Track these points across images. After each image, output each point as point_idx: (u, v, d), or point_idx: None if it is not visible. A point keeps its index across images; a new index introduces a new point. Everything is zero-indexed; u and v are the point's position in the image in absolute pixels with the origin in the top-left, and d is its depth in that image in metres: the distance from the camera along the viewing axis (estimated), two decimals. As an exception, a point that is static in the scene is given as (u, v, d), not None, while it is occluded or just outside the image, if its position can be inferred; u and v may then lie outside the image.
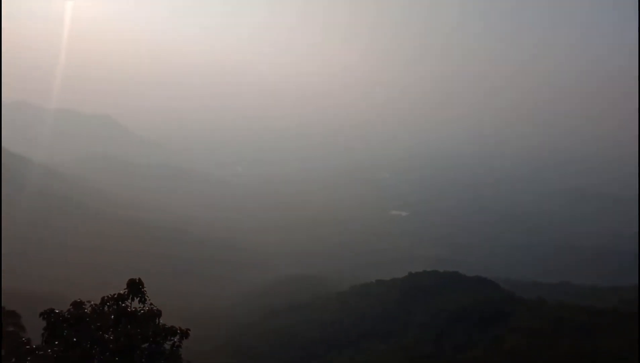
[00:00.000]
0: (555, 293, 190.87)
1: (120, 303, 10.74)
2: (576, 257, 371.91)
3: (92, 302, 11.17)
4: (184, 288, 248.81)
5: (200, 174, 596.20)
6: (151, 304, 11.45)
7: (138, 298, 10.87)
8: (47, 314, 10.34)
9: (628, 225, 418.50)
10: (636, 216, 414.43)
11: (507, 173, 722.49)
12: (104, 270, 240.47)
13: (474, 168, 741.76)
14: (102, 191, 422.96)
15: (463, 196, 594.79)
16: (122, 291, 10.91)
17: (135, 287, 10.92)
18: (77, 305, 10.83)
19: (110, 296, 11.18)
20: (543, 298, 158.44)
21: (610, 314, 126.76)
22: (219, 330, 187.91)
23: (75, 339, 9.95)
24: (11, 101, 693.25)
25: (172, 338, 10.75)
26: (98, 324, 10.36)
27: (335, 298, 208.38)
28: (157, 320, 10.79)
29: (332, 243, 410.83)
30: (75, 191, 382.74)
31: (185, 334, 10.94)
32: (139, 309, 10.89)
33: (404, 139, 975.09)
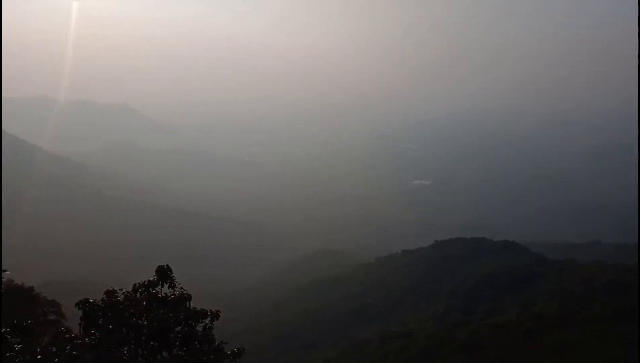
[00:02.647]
0: (585, 253, 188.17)
1: (150, 289, 10.93)
2: (603, 215, 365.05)
3: (124, 290, 11.39)
4: (211, 272, 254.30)
5: (218, 157, 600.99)
6: (181, 288, 11.61)
7: (167, 284, 11.04)
8: (83, 304, 10.58)
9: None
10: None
11: (527, 136, 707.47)
12: (130, 259, 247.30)
13: (494, 133, 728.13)
14: (124, 179, 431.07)
15: (485, 161, 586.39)
16: (151, 278, 11.09)
17: (164, 273, 11.07)
18: (110, 293, 11.06)
19: (140, 283, 11.38)
20: (572, 258, 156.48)
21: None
22: (249, 310, 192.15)
23: (110, 326, 10.17)
24: (29, 97, 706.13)
25: (203, 321, 10.94)
26: (131, 310, 10.57)
27: (362, 271, 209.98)
28: (187, 304, 10.96)
29: (355, 217, 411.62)
30: (97, 180, 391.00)
31: (215, 316, 11.14)
32: (169, 294, 11.07)
33: (422, 111, 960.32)
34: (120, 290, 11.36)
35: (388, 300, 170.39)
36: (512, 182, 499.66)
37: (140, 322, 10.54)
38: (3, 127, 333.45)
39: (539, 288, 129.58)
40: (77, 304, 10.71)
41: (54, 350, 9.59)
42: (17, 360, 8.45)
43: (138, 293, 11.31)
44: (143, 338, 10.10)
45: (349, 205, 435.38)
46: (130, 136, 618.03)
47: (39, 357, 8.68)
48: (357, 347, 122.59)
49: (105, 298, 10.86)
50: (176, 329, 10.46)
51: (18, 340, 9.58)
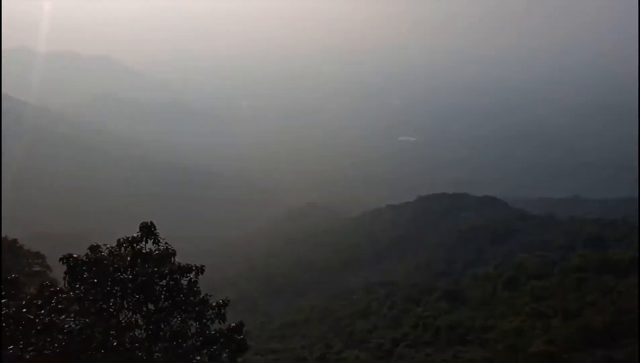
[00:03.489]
0: (566, 209, 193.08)
1: (134, 245, 11.07)
2: (587, 171, 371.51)
3: (109, 245, 11.51)
4: (202, 224, 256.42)
5: (206, 111, 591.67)
6: (166, 243, 11.77)
7: (152, 240, 11.18)
8: (67, 259, 10.71)
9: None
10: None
11: (519, 92, 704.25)
12: (117, 213, 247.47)
13: (484, 91, 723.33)
14: (109, 132, 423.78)
15: (473, 118, 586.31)
16: (135, 234, 11.21)
17: (148, 230, 11.19)
18: (94, 248, 11.19)
19: (125, 238, 11.50)
20: (553, 214, 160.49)
21: (621, 225, 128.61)
22: (240, 260, 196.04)
23: (95, 280, 10.37)
24: (8, 48, 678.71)
25: (188, 275, 11.17)
26: (116, 265, 10.74)
27: (350, 224, 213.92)
28: (172, 259, 11.16)
29: (343, 174, 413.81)
30: (81, 133, 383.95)
31: (200, 270, 11.39)
32: (153, 250, 11.23)
33: (413, 66, 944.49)
34: (105, 245, 11.47)
35: (374, 252, 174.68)
36: (500, 139, 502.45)
37: (125, 276, 10.74)
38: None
39: (520, 241, 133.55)
40: (61, 259, 10.83)
41: (40, 302, 9.78)
42: (2, 311, 8.63)
43: (122, 249, 11.45)
44: (128, 291, 10.34)
45: (337, 161, 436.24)
46: (115, 89, 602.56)
47: (24, 309, 8.87)
48: (343, 295, 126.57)
49: (90, 254, 11.00)
50: (161, 283, 10.70)
51: (3, 293, 9.72)
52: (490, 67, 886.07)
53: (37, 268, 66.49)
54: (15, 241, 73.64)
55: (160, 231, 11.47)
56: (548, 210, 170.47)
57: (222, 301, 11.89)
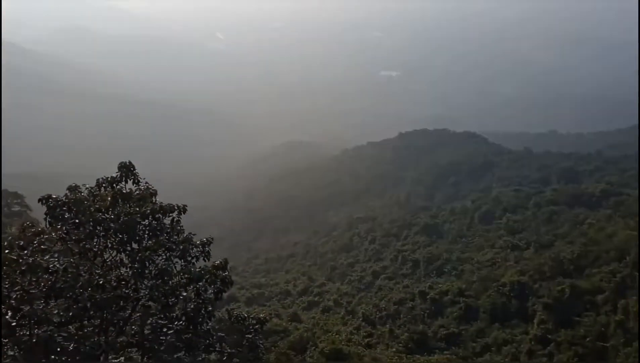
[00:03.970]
0: (543, 143, 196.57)
1: (114, 185, 10.88)
2: (564, 106, 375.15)
3: (87, 185, 11.29)
4: (181, 162, 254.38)
5: (181, 44, 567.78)
6: (147, 183, 11.60)
7: (131, 180, 10.99)
8: (46, 199, 10.49)
9: (624, 69, 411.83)
10: (632, 59, 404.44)
11: (501, 25, 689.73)
12: (95, 152, 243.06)
13: (467, 24, 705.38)
14: (81, 69, 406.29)
15: (457, 53, 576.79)
16: (114, 175, 10.98)
17: (127, 169, 10.96)
18: (73, 189, 10.96)
19: (104, 178, 11.27)
20: (530, 148, 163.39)
21: (594, 159, 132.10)
22: (223, 198, 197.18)
23: (76, 221, 10.26)
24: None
25: (170, 215, 11.13)
26: (96, 206, 10.61)
27: (331, 161, 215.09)
28: (153, 199, 11.06)
29: (324, 109, 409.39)
30: (52, 68, 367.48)
31: (183, 210, 11.30)
32: (134, 190, 11.07)
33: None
34: (84, 185, 11.25)
35: (355, 188, 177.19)
36: (482, 74, 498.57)
37: (107, 217, 10.65)
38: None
39: (497, 176, 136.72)
40: (40, 200, 10.63)
41: (22, 243, 9.71)
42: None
43: (102, 189, 11.26)
44: (110, 232, 10.30)
45: (318, 98, 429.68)
46: (84, 21, 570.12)
47: (6, 250, 8.80)
48: (326, 230, 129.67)
49: (69, 194, 10.81)
50: (143, 223, 10.66)
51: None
52: (474, 0, 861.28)
53: (16, 208, 65.81)
54: (-10, 181, 72.25)
55: (140, 171, 11.28)
56: (526, 145, 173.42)
57: (206, 239, 11.93)
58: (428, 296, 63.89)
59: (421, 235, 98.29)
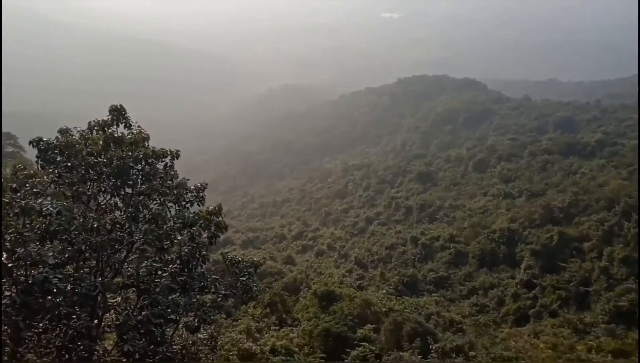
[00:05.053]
0: (542, 91, 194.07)
1: (105, 129, 10.73)
2: (566, 53, 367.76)
3: (79, 128, 11.13)
4: (175, 105, 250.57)
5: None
6: (139, 126, 11.44)
7: (123, 124, 10.82)
8: (37, 142, 10.37)
9: (628, 17, 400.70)
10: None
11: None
12: (90, 92, 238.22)
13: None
14: (74, 4, 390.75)
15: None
16: (105, 118, 10.80)
17: (118, 113, 10.76)
18: (64, 132, 10.81)
19: (95, 121, 11.09)
20: (529, 96, 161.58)
21: (593, 108, 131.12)
22: (219, 142, 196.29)
23: (69, 164, 10.20)
24: None
25: (163, 160, 11.06)
26: (88, 150, 10.51)
27: (328, 106, 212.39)
28: (146, 144, 10.95)
29: (321, 52, 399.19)
30: (45, 4, 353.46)
31: (176, 155, 11.22)
32: (126, 134, 10.94)
33: None
34: (75, 128, 11.08)
35: (352, 134, 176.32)
36: (485, 17, 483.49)
37: (99, 160, 10.59)
38: None
39: (494, 124, 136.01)
40: (31, 142, 10.51)
41: (14, 186, 9.70)
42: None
43: (94, 132, 11.12)
44: (103, 176, 10.28)
45: (316, 40, 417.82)
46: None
47: (-2, 194, 8.79)
48: (321, 176, 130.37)
49: (60, 137, 10.68)
50: (136, 167, 10.62)
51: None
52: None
53: (9, 149, 65.38)
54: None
55: (134, 113, 11.09)
56: (525, 93, 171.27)
57: (201, 184, 11.93)
58: (419, 242, 65.44)
59: (415, 182, 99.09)
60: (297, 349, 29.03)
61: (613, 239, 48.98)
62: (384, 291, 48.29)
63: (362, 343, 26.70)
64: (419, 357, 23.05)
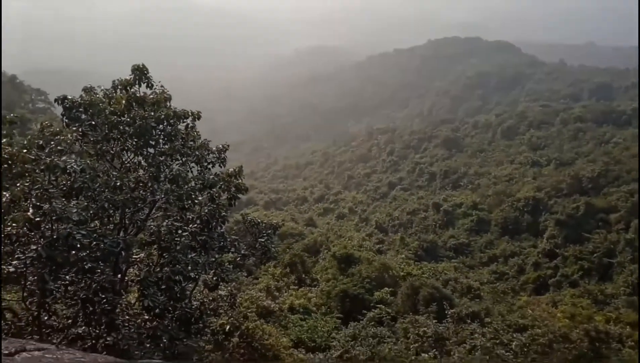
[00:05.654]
0: (579, 56, 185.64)
1: (128, 88, 10.80)
2: (605, 17, 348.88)
3: (103, 87, 11.25)
4: (199, 66, 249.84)
5: None
6: (162, 86, 11.49)
7: (145, 84, 10.86)
8: (62, 100, 10.55)
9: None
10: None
11: None
12: (114, 51, 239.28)
13: None
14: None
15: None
16: (128, 77, 10.85)
17: (141, 72, 10.78)
18: (88, 90, 10.95)
19: (119, 80, 11.18)
20: (564, 61, 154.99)
21: (632, 75, 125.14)
22: (245, 103, 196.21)
23: (93, 123, 10.38)
24: None
25: (185, 121, 11.13)
26: (111, 109, 10.64)
27: (355, 68, 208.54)
28: (167, 104, 11.00)
29: (349, 11, 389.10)
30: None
31: (197, 116, 11.27)
32: (148, 94, 11.00)
33: None
34: (99, 87, 11.21)
35: (378, 97, 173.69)
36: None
37: (123, 119, 10.72)
38: None
39: (527, 89, 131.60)
40: (56, 100, 10.70)
41: (41, 143, 9.95)
42: (4, 151, 8.83)
43: (118, 91, 11.23)
44: (126, 136, 10.43)
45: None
46: None
47: (25, 150, 9.06)
48: (345, 140, 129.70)
49: (84, 95, 10.82)
50: (158, 128, 10.73)
51: (4, 132, 9.82)
52: None
53: (40, 105, 66.99)
54: (14, 76, 72.81)
55: (155, 74, 11.12)
56: (560, 57, 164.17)
57: (222, 146, 12.04)
58: (441, 208, 65.08)
59: (441, 147, 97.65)
60: (314, 308, 29.81)
61: (642, 212, 47.73)
62: (403, 256, 48.65)
63: (378, 306, 27.20)
64: (434, 321, 23.33)
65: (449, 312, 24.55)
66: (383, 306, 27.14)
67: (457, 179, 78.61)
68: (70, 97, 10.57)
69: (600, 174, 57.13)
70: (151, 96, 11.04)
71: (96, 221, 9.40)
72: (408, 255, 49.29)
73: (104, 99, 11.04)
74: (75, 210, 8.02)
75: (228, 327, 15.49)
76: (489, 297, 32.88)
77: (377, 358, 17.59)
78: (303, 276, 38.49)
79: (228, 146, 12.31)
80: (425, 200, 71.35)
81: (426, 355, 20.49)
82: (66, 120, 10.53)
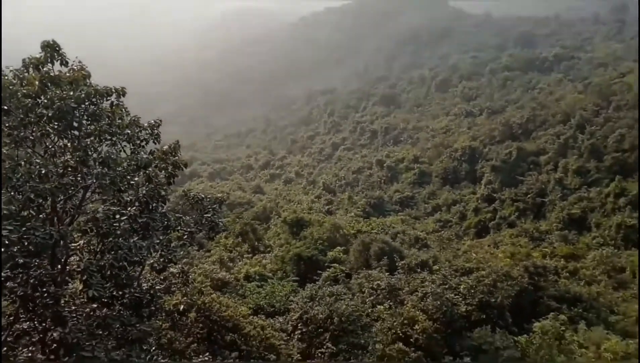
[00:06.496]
0: (503, 6, 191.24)
1: (40, 68, 9.81)
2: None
3: (12, 67, 10.17)
4: (123, 34, 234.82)
5: None
6: (80, 62, 10.53)
7: (58, 61, 9.89)
8: (-34, 85, 9.46)
9: None
10: None
11: None
12: (30, 25, 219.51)
13: None
14: None
15: None
16: (38, 55, 9.83)
17: (52, 49, 9.77)
18: (-6, 71, 9.85)
19: (29, 59, 10.11)
20: (489, 12, 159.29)
21: (553, 22, 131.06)
22: (175, 73, 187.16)
23: (6, 108, 9.40)
24: None
25: (109, 98, 10.32)
26: (24, 91, 9.66)
27: (288, 29, 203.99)
28: (87, 82, 10.13)
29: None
30: None
31: (122, 93, 10.39)
32: (64, 72, 10.05)
33: None
34: (7, 67, 10.12)
35: (314, 58, 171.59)
36: None
37: (39, 101, 9.80)
38: None
39: (456, 42, 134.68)
40: (-41, 86, 9.58)
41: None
42: None
43: (30, 71, 10.19)
44: (45, 119, 9.57)
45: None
46: None
47: None
48: (284, 104, 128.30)
49: (-9, 78, 9.76)
50: (81, 107, 9.91)
51: None
52: None
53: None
54: None
55: (77, 52, 10.13)
56: (485, 9, 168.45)
57: (155, 121, 11.27)
58: (385, 164, 66.64)
59: (379, 105, 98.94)
60: (270, 274, 30.02)
61: (568, 151, 51.14)
62: (352, 214, 49.66)
63: (332, 265, 27.82)
64: (387, 274, 24.18)
65: (400, 264, 25.57)
66: (337, 265, 27.78)
67: (398, 135, 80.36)
68: (-26, 80, 9.51)
69: (528, 120, 60.33)
70: (67, 75, 10.13)
71: (24, 214, 8.69)
72: (357, 213, 50.37)
73: (14, 81, 10.02)
74: (-4, 205, 7.36)
75: (182, 307, 15.21)
76: (436, 245, 34.42)
77: (335, 315, 18.01)
78: (256, 244, 38.52)
79: (160, 121, 11.58)
80: (368, 158, 72.60)
81: (381, 307, 21.39)
82: (-27, 106, 9.52)
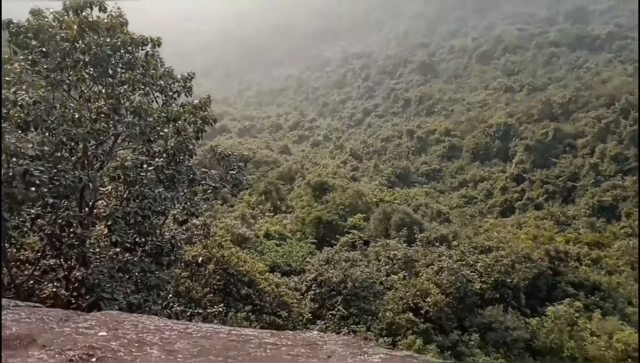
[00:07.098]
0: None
1: (79, 12, 9.90)
2: None
3: (52, 10, 10.28)
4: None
5: None
6: (119, 9, 10.58)
7: (97, 7, 9.96)
8: (7, 25, 9.63)
9: None
10: None
11: None
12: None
13: None
14: None
15: None
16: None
17: (92, -7, 9.87)
18: (36, 13, 10.00)
19: (70, 2, 10.18)
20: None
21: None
22: (212, 23, 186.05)
23: (43, 50, 9.59)
24: None
25: (144, 48, 10.39)
26: (62, 35, 9.81)
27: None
28: (124, 30, 10.20)
29: None
30: None
31: (157, 43, 10.44)
32: (102, 18, 10.12)
33: None
34: (47, 9, 10.24)
35: (352, 19, 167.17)
36: None
37: (77, 45, 9.95)
38: None
39: (504, 12, 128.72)
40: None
41: (-11, 73, 9.24)
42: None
43: (70, 14, 10.29)
44: (81, 64, 9.74)
45: None
46: None
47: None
48: (319, 65, 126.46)
49: (31, 19, 9.92)
50: (116, 55, 10.03)
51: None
52: None
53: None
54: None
55: (108, -5, 10.20)
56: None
57: (188, 74, 11.35)
58: (415, 135, 65.58)
59: (416, 73, 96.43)
60: (289, 234, 30.61)
61: (607, 136, 49.17)
62: (377, 182, 49.53)
63: (351, 231, 28.10)
64: (405, 244, 24.30)
65: (419, 236, 25.62)
66: (356, 232, 28.03)
67: (432, 106, 78.59)
68: (16, 21, 9.69)
69: (570, 100, 57.92)
70: (105, 21, 10.21)
71: (57, 155, 9.01)
72: (381, 181, 50.20)
73: (53, 23, 10.16)
74: (30, 145, 7.64)
75: (201, 258, 15.71)
76: (458, 221, 34.20)
77: (349, 280, 18.36)
78: (278, 203, 39.08)
79: (194, 74, 11.65)
80: (399, 127, 71.55)
81: (395, 277, 21.66)
82: (14, 47, 9.74)
